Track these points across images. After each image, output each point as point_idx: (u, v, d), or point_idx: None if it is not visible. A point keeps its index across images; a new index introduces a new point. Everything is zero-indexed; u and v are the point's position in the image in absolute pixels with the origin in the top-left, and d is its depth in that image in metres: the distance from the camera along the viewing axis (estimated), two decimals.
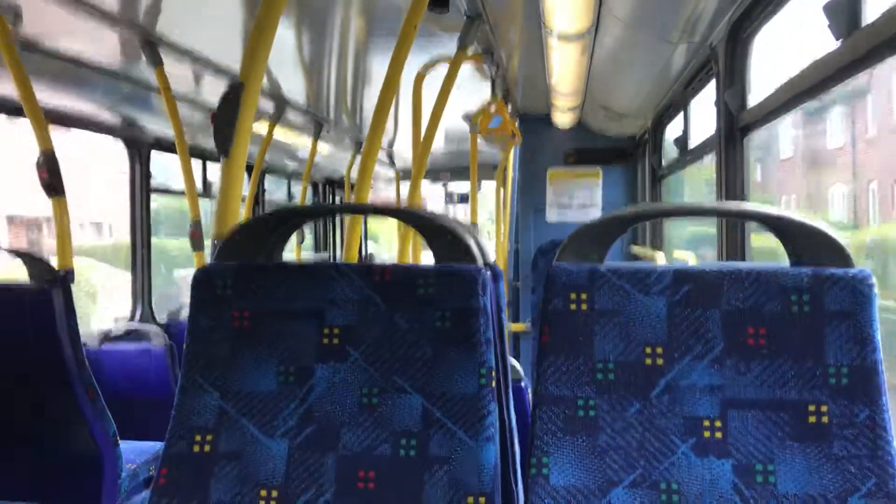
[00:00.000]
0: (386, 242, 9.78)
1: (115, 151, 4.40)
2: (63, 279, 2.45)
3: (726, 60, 2.64)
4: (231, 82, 1.65)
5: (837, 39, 1.73)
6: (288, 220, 1.35)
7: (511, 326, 5.54)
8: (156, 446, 3.28)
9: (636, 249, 5.49)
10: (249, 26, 3.05)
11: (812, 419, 1.12)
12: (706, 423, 1.14)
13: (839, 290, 1.13)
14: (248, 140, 1.66)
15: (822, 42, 1.81)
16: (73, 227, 2.91)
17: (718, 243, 2.80)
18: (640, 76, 3.79)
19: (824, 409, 1.12)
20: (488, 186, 7.39)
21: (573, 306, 1.19)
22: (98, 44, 3.14)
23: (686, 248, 4.98)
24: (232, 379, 1.24)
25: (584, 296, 1.19)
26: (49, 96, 3.39)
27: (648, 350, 1.17)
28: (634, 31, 2.97)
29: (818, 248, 1.17)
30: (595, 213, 5.77)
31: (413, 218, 1.34)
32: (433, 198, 9.20)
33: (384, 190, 10.47)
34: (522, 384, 2.63)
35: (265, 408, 1.23)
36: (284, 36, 3.25)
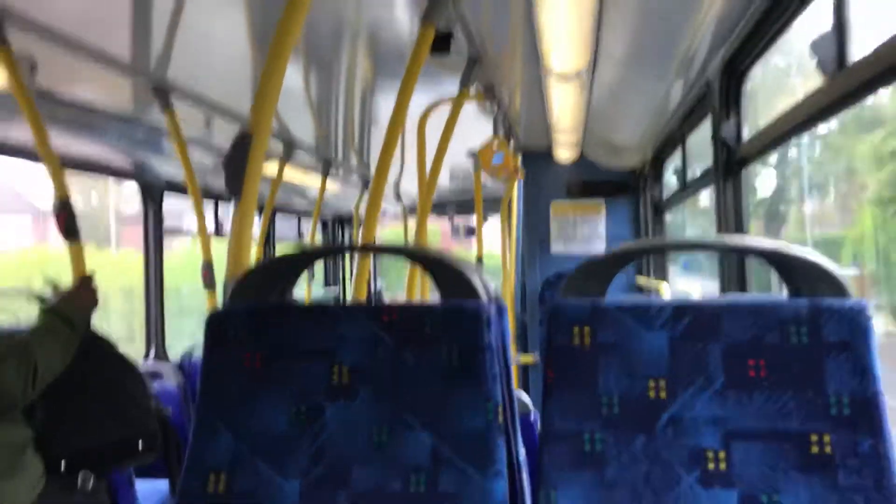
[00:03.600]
0: (397, 274, 9.77)
1: None
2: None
3: (721, 95, 2.70)
4: (241, 128, 1.70)
5: (825, 76, 1.77)
6: (298, 261, 1.40)
7: (520, 358, 5.55)
8: None
9: (641, 280, 5.52)
10: (258, 70, 3.12)
11: (815, 449, 1.12)
12: (710, 455, 1.15)
13: (837, 321, 1.15)
14: (258, 183, 1.70)
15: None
16: None
17: (720, 276, 2.83)
18: (638, 112, 3.85)
19: (827, 439, 1.12)
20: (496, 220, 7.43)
21: (576, 341, 1.21)
22: (110, 91, 3.22)
23: (692, 266, 4.92)
24: (245, 419, 1.27)
25: (587, 330, 1.21)
26: (65, 143, 3.47)
27: (652, 384, 1.18)
28: (631, 69, 3.04)
29: (816, 279, 1.19)
30: (599, 245, 5.81)
31: (418, 256, 1.38)
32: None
33: (392, 223, 10.50)
34: (531, 417, 2.65)
35: (278, 447, 1.25)
36: (293, 79, 3.33)
